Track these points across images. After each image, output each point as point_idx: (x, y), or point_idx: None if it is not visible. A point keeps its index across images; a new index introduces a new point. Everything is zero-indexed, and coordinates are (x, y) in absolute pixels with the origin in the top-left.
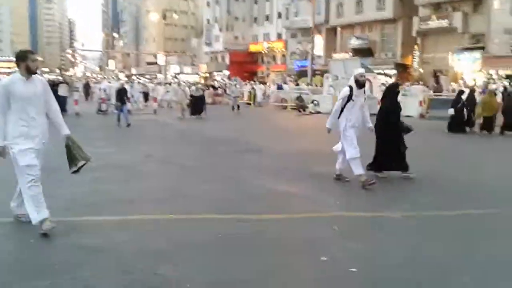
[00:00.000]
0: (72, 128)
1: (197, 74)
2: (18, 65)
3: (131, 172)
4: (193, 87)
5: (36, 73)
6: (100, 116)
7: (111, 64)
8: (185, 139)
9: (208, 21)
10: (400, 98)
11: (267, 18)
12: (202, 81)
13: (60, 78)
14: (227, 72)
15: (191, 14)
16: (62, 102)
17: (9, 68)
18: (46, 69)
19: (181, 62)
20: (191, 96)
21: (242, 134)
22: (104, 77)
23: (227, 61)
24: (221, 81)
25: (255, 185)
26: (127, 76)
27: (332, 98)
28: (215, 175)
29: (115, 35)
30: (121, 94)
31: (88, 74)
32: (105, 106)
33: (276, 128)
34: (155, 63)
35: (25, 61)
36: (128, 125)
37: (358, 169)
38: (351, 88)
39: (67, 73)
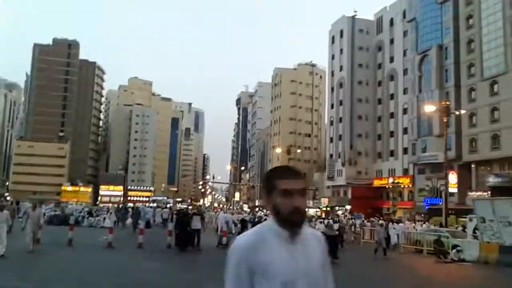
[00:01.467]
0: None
1: (318, 208)
2: (266, 201)
3: None
4: (321, 225)
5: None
6: (220, 251)
7: (237, 196)
8: None
9: (331, 156)
10: None
11: (392, 153)
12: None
13: (190, 207)
14: (348, 207)
15: (313, 150)
16: (193, 235)
17: (147, 197)
18: (179, 199)
19: None
20: (324, 234)
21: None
22: (229, 208)
23: (349, 195)
24: (341, 216)
25: None
26: (250, 208)
27: (479, 245)
28: None
29: (242, 168)
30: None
31: (215, 204)
32: (225, 239)
33: (423, 282)
34: None
35: (274, 189)
36: None
37: None
38: None
39: (197, 203)
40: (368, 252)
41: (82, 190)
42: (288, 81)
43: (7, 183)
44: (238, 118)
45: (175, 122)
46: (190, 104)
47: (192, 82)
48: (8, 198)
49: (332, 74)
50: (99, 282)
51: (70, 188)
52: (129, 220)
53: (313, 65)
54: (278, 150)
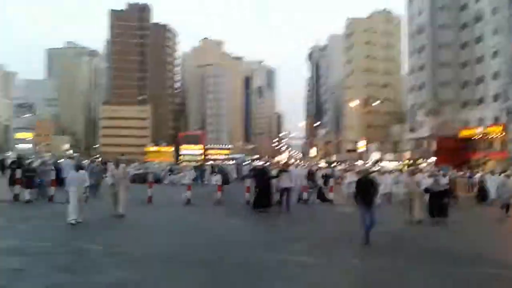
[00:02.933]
0: None
1: (399, 161)
2: None
3: None
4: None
5: None
6: (303, 207)
7: (313, 152)
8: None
9: (412, 106)
10: None
11: (480, 101)
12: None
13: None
14: (433, 159)
15: (392, 101)
16: (282, 196)
17: (225, 155)
18: (257, 156)
19: (381, 149)
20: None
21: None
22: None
23: (434, 147)
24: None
25: None
26: (327, 163)
27: None
28: None
29: (317, 123)
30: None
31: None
32: (306, 195)
33: None
34: (355, 150)
35: None
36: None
37: None
38: None
39: (274, 160)
40: (479, 210)
41: (164, 150)
42: (361, 31)
43: (97, 146)
44: (311, 73)
45: (247, 81)
46: (261, 62)
47: (263, 40)
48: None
49: (411, 19)
50: (175, 242)
51: (153, 149)
52: (209, 177)
53: (388, 12)
54: (354, 103)
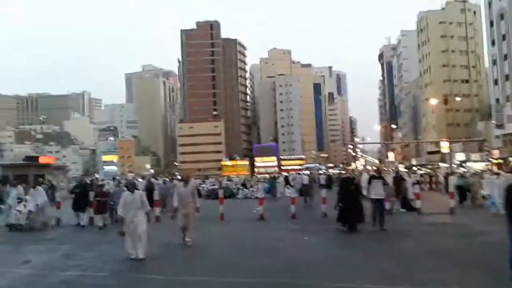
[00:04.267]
0: None
1: (488, 161)
2: None
3: None
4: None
5: None
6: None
7: (390, 156)
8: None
9: (497, 100)
10: None
11: None
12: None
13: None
14: None
15: (474, 96)
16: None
17: (300, 165)
18: (331, 164)
19: (466, 149)
20: None
21: None
22: (384, 169)
23: None
24: None
25: None
26: (406, 168)
27: None
28: None
29: (393, 126)
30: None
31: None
32: (389, 204)
33: None
34: (437, 152)
35: None
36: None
37: None
38: None
39: (349, 167)
40: None
41: (239, 163)
42: (436, 24)
43: (176, 163)
44: (382, 74)
45: (317, 88)
46: (330, 67)
47: (330, 45)
48: (178, 177)
49: (490, 5)
50: (248, 263)
51: (228, 163)
52: (282, 190)
53: (464, 1)
54: (433, 102)
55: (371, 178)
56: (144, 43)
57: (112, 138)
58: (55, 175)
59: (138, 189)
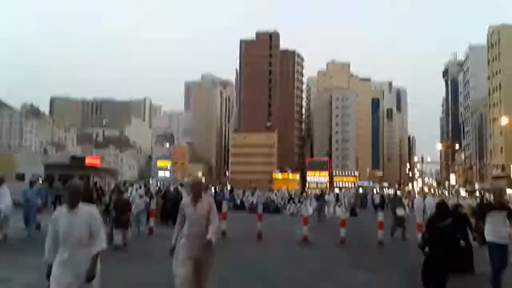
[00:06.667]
0: None
1: None
2: None
3: None
4: None
5: None
6: None
7: (452, 179)
8: None
9: None
10: None
11: None
12: None
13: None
14: None
15: None
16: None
17: (352, 183)
18: (386, 184)
19: None
20: None
21: None
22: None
23: None
24: None
25: None
26: (468, 192)
27: None
28: None
29: (457, 146)
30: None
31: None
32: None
33: None
34: (504, 177)
35: None
36: None
37: None
38: None
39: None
40: None
41: (290, 177)
42: (508, 38)
43: (227, 174)
44: (446, 91)
45: (375, 103)
46: (390, 82)
47: (391, 58)
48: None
49: None
50: None
51: (280, 176)
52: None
53: None
54: (504, 121)
55: (487, 208)
56: (205, 53)
57: (168, 144)
58: (103, 177)
59: None
